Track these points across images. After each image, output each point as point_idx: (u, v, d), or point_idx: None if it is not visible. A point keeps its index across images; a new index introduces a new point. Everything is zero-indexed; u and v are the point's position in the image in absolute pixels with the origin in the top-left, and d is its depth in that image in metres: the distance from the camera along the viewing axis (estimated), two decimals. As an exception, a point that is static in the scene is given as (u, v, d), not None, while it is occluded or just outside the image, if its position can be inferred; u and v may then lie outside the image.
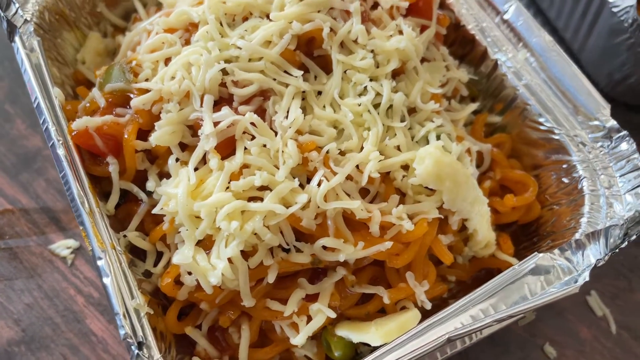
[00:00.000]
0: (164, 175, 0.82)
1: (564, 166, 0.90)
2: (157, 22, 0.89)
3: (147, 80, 0.84)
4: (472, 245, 0.89)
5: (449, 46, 1.05)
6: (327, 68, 0.86)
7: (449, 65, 0.96)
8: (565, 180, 0.90)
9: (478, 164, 0.95)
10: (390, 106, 0.84)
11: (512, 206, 0.92)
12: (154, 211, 0.78)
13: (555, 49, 0.94)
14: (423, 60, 0.94)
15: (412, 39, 0.87)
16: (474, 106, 0.96)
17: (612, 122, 0.88)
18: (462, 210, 0.83)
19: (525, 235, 0.96)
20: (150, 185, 0.81)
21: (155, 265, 0.82)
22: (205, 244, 0.76)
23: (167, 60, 0.85)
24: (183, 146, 0.81)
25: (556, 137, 0.91)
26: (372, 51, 0.86)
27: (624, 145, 0.87)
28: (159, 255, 0.83)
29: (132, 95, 0.82)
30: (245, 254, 0.75)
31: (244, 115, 0.78)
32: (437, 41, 0.96)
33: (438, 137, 0.84)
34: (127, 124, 0.81)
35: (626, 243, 0.78)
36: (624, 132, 0.87)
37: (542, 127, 0.93)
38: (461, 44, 1.04)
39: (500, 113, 0.99)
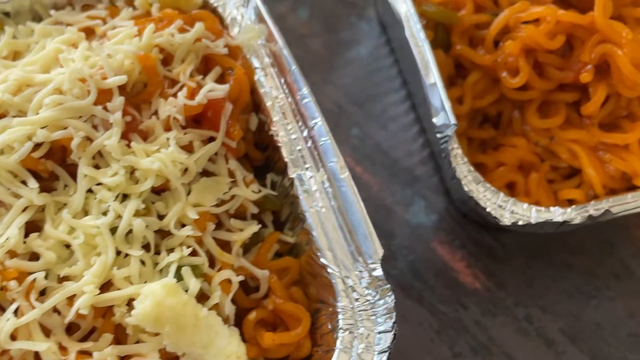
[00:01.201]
0: None
1: (330, 309, 0.84)
2: None
3: None
4: (222, 383, 0.82)
5: (265, 149, 0.99)
6: (83, 178, 0.80)
7: (237, 181, 0.89)
8: (329, 325, 0.83)
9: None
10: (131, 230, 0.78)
11: (275, 344, 0.85)
12: None
13: (347, 179, 0.88)
14: (207, 173, 0.88)
15: (175, 158, 0.81)
16: (254, 228, 0.89)
17: (379, 272, 0.81)
18: (191, 354, 0.77)
19: (304, 369, 0.90)
20: None
21: None
22: None
23: None
24: None
25: (328, 276, 0.84)
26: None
27: (386, 300, 0.80)
28: None
29: None
30: None
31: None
32: (229, 153, 0.90)
33: (180, 269, 0.78)
34: None
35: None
36: (387, 286, 0.80)
37: (319, 262, 0.86)
38: (273, 150, 0.97)
39: (295, 234, 0.93)
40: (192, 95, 0.86)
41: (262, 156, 0.99)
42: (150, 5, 0.99)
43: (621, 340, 1.08)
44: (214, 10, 1.05)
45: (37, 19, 1.02)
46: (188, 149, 0.85)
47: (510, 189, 1.05)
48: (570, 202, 1.03)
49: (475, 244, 1.14)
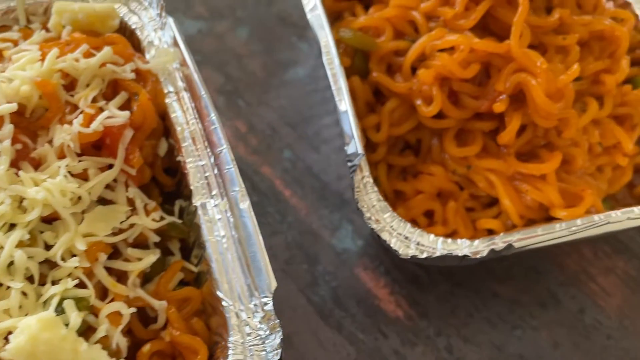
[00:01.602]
0: None
1: (223, 343, 0.82)
2: None
3: None
4: (111, 417, 0.81)
5: (176, 175, 0.98)
6: (-29, 206, 0.79)
7: (136, 209, 0.88)
8: (222, 360, 0.82)
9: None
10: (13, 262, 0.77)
11: (166, 377, 0.83)
12: None
13: (247, 209, 0.86)
14: (106, 201, 0.87)
15: (64, 187, 0.80)
16: (152, 258, 0.87)
17: (270, 307, 0.80)
18: (71, 389, 0.75)
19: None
20: None
21: None
22: None
23: None
24: None
25: (223, 309, 0.83)
26: (22, 194, 0.79)
27: (275, 335, 0.78)
28: None
29: None
30: None
31: None
32: (130, 180, 0.88)
33: (62, 302, 0.77)
34: None
35: None
36: (277, 321, 0.79)
37: (216, 294, 0.84)
38: (182, 176, 0.95)
39: (199, 263, 0.91)
40: (90, 121, 0.85)
41: (172, 182, 0.97)
42: (64, 28, 0.98)
43: (544, 372, 1.07)
44: (132, 33, 1.04)
45: (-45, 40, 1.01)
46: (84, 176, 0.84)
47: (430, 218, 1.03)
48: (490, 232, 1.02)
49: (400, 270, 1.13)
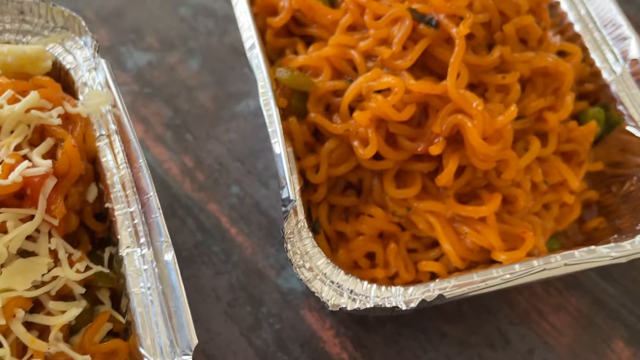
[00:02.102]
0: None
1: (145, 402, 0.80)
2: None
3: None
4: None
5: (106, 221, 0.95)
6: None
7: (60, 260, 0.85)
8: (142, 419, 0.79)
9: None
10: None
11: None
12: None
13: (171, 260, 0.84)
14: (27, 253, 0.84)
15: (-26, 241, 0.77)
16: (75, 312, 0.84)
17: (189, 366, 0.78)
18: None
19: None
20: None
21: None
22: None
23: None
24: None
25: (144, 365, 0.81)
26: None
27: (195, 396, 0.76)
28: None
29: None
30: None
31: None
32: (54, 230, 0.86)
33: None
34: None
35: None
36: (197, 382, 0.77)
37: (139, 349, 0.82)
38: (112, 223, 0.93)
39: (126, 312, 0.89)
40: (9, 172, 0.82)
41: (103, 227, 0.95)
42: (-7, 71, 0.96)
43: (491, 416, 1.05)
44: (66, 73, 1.02)
45: None
46: (3, 229, 0.82)
47: (372, 259, 1.01)
48: (433, 275, 0.99)
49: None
